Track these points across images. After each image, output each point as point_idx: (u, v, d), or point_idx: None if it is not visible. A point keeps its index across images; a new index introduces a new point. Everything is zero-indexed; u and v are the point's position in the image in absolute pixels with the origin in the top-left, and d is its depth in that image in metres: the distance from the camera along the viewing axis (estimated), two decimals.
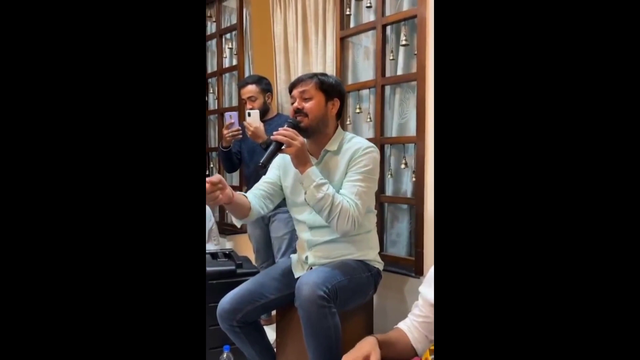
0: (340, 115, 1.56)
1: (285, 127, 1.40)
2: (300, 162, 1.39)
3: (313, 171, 1.39)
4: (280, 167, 1.60)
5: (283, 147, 1.37)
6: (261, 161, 1.38)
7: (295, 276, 1.55)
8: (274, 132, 1.39)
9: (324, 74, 1.53)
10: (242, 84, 2.21)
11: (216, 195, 1.30)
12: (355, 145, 1.48)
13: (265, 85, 2.19)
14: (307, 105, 1.46)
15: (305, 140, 1.40)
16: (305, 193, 1.39)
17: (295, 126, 1.43)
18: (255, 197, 1.53)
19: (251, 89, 2.16)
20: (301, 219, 1.56)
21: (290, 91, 1.52)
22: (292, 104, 1.50)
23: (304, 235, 1.58)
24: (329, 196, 1.36)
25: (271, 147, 1.39)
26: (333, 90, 1.50)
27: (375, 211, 1.61)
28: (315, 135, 1.49)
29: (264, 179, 1.61)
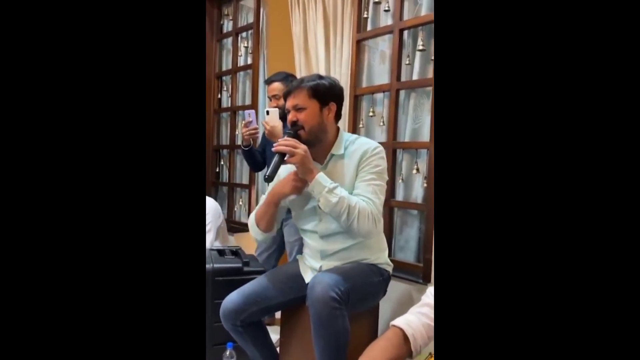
0: (340, 117, 1.51)
1: (285, 138, 1.37)
2: (307, 170, 1.36)
3: (322, 177, 1.36)
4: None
5: (286, 158, 1.34)
6: (266, 174, 1.35)
7: (306, 281, 1.54)
8: (274, 144, 1.36)
9: (320, 77, 1.48)
10: (268, 81, 2.16)
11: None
12: (362, 146, 1.45)
13: None
14: (302, 116, 1.41)
15: (307, 148, 1.37)
16: (319, 201, 1.35)
17: (295, 135, 1.40)
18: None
19: (277, 86, 2.10)
20: (311, 228, 1.52)
21: (285, 99, 1.47)
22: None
23: (315, 244, 1.53)
24: (344, 199, 1.33)
25: (275, 159, 1.36)
26: (327, 94, 1.44)
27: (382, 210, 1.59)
28: (316, 145, 1.45)
29: None
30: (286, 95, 1.46)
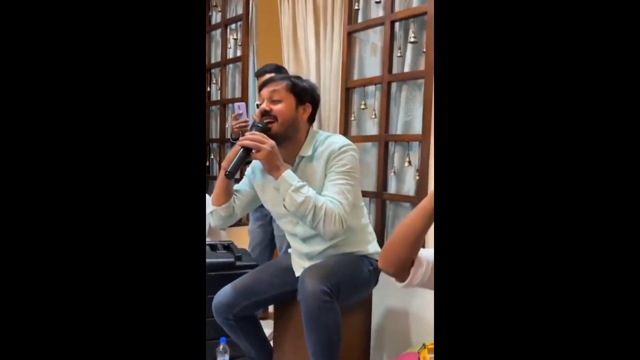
0: (313, 120, 1.49)
1: (252, 132, 1.32)
2: (273, 166, 1.31)
3: (289, 174, 1.31)
4: (253, 177, 1.52)
5: (252, 153, 1.29)
6: (228, 170, 1.29)
7: (297, 274, 1.53)
8: (241, 138, 1.31)
9: (298, 77, 1.48)
10: (259, 72, 2.12)
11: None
12: (330, 145, 1.40)
13: None
14: (277, 108, 1.38)
15: (275, 143, 1.32)
16: (284, 200, 1.31)
17: (264, 130, 1.35)
18: (235, 198, 1.50)
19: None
20: (292, 231, 1.51)
21: (259, 90, 1.44)
22: (259, 105, 1.41)
23: (298, 246, 1.53)
24: (310, 198, 1.28)
25: (239, 154, 1.29)
26: (305, 94, 1.43)
27: (363, 203, 1.57)
28: (286, 142, 1.40)
29: (234, 188, 1.54)
30: (262, 86, 1.43)
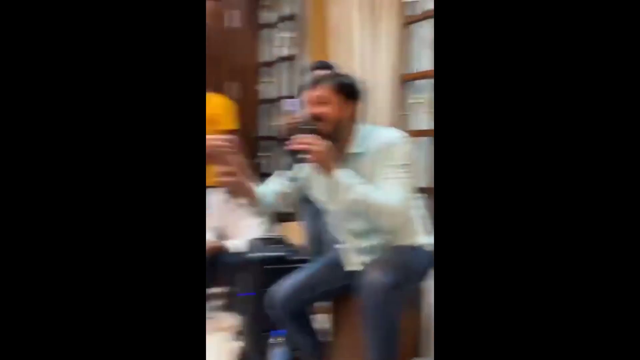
0: (360, 116, 1.47)
1: (302, 135, 1.32)
2: (327, 167, 1.31)
3: (343, 173, 1.31)
4: (303, 172, 1.52)
5: (305, 156, 1.30)
6: (289, 177, 1.33)
7: (350, 269, 1.53)
8: (292, 141, 1.31)
9: (342, 75, 1.47)
10: (310, 69, 2.14)
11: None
12: (382, 139, 1.39)
13: None
14: (325, 109, 1.37)
15: (327, 144, 1.31)
16: (342, 198, 1.31)
17: (313, 132, 1.34)
18: (271, 191, 1.48)
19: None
20: (347, 227, 1.51)
21: (305, 93, 1.44)
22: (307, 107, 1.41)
23: (355, 242, 1.52)
24: (368, 195, 1.29)
25: (293, 159, 1.31)
26: (350, 91, 1.42)
27: (417, 194, 1.54)
28: (335, 141, 1.39)
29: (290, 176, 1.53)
30: (307, 89, 1.43)
